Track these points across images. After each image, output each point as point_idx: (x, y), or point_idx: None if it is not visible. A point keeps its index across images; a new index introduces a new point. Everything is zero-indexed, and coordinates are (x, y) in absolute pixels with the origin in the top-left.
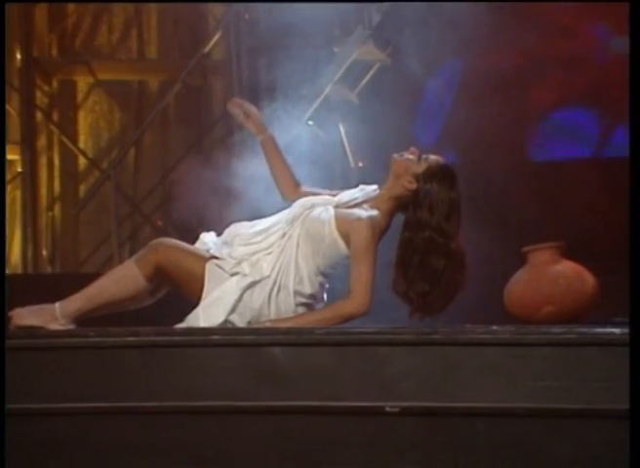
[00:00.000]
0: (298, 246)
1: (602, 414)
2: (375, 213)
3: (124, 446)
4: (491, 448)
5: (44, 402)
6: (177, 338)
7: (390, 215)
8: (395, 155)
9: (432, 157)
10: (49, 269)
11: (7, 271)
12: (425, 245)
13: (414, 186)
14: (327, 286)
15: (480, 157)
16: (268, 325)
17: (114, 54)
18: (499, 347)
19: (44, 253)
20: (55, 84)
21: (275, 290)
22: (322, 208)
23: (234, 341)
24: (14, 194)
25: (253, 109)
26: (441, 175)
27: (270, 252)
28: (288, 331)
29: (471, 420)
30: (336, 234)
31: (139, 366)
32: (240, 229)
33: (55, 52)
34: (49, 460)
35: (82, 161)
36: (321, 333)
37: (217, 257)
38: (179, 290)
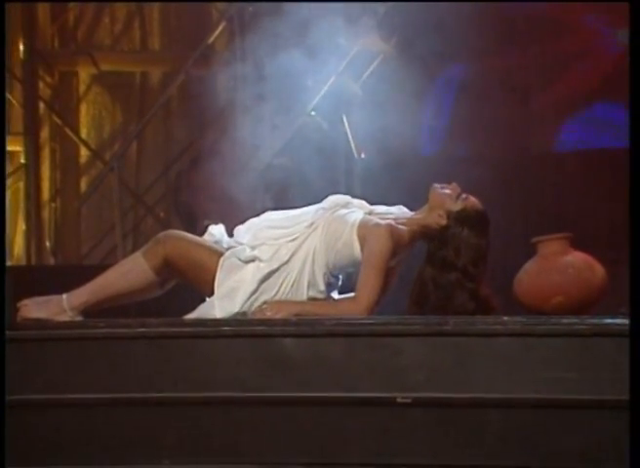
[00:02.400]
0: (319, 238)
1: (612, 405)
2: (401, 227)
3: (133, 436)
4: (501, 439)
5: (53, 393)
6: (186, 329)
7: (414, 239)
8: (436, 185)
9: (471, 199)
10: (52, 261)
11: (10, 263)
12: (452, 287)
13: (444, 222)
14: (337, 287)
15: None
16: (269, 314)
17: (116, 45)
18: (508, 338)
19: (47, 244)
20: (57, 75)
21: (290, 278)
22: (353, 209)
23: (245, 332)
24: (16, 186)
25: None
26: (475, 219)
27: (294, 238)
28: (298, 323)
29: (482, 411)
30: (354, 236)
31: (148, 357)
32: (273, 215)
33: (57, 43)
34: (61, 450)
35: (84, 153)
36: (331, 324)
37: (226, 250)
38: (187, 282)
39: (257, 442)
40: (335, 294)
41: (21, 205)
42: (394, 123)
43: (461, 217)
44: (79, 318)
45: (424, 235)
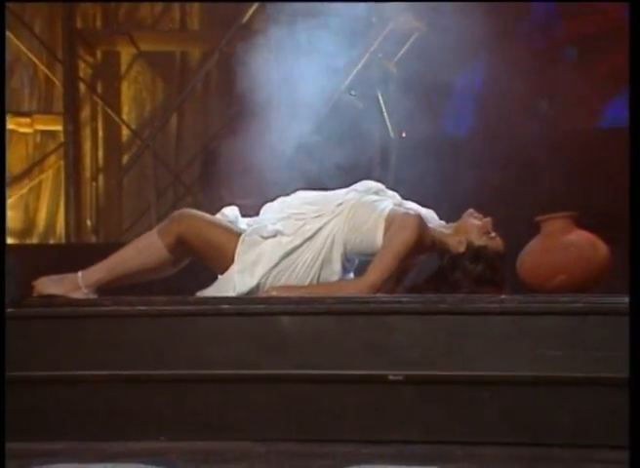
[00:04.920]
0: (345, 219)
1: (605, 383)
2: (430, 226)
3: (131, 412)
4: (494, 416)
5: (55, 370)
6: (187, 308)
7: (432, 248)
8: (472, 211)
9: (497, 240)
10: (93, 239)
11: (52, 241)
12: None
13: (461, 250)
14: (351, 271)
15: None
16: (274, 293)
17: (157, 25)
18: (504, 316)
19: (88, 222)
20: (99, 55)
21: (309, 255)
22: (384, 198)
23: (244, 310)
24: (58, 165)
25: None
26: (491, 260)
27: (320, 215)
28: (297, 301)
29: (476, 388)
30: (381, 224)
31: (149, 335)
32: (303, 193)
33: (99, 23)
34: (61, 426)
35: (126, 131)
36: (329, 303)
37: (243, 230)
38: (200, 260)
39: (253, 418)
40: (351, 275)
41: (62, 183)
42: (427, 103)
43: (479, 254)
44: (94, 295)
45: (440, 251)
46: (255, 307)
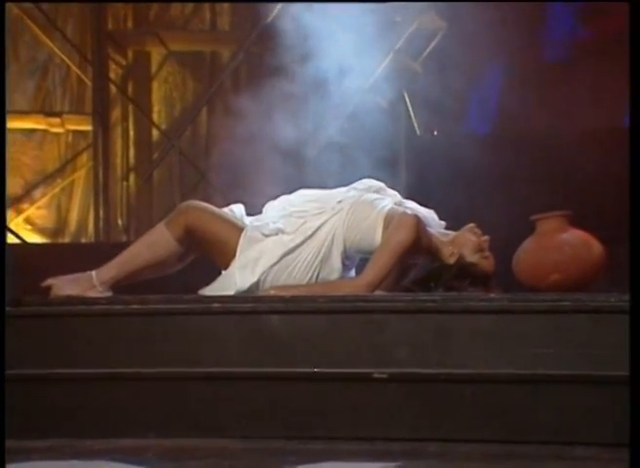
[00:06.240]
0: (344, 217)
1: (588, 380)
2: (430, 230)
3: (121, 410)
4: (480, 413)
5: (50, 368)
6: (179, 306)
7: (428, 250)
8: (472, 226)
9: (489, 260)
10: (124, 238)
11: (84, 240)
12: None
13: (451, 262)
14: (351, 270)
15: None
16: (272, 292)
17: (187, 25)
18: (490, 315)
19: (119, 222)
20: (130, 55)
21: (310, 253)
22: (383, 197)
23: (233, 309)
24: (89, 165)
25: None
26: (478, 278)
27: (321, 212)
28: (285, 300)
29: (462, 386)
30: (379, 222)
31: (141, 333)
32: (305, 191)
33: (130, 24)
34: (55, 424)
35: (156, 131)
36: (317, 301)
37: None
38: (205, 254)
39: (241, 416)
40: (352, 273)
41: (92, 183)
42: (452, 101)
43: (467, 271)
44: (109, 293)
45: (435, 255)
46: (242, 306)
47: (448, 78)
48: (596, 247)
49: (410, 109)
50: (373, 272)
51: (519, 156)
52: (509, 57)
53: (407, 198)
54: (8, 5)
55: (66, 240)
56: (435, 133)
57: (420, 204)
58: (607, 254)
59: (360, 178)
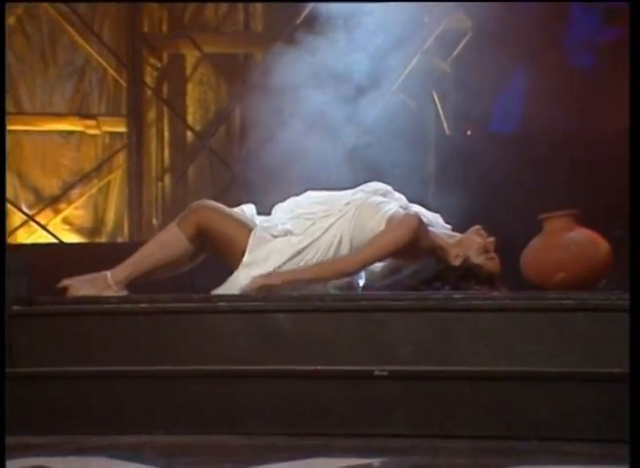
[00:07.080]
0: (350, 219)
1: (586, 378)
2: (431, 230)
3: (130, 407)
4: (481, 411)
5: (59, 366)
6: (186, 305)
7: (430, 252)
8: (478, 228)
9: (494, 261)
10: None
11: (120, 239)
12: None
13: (456, 264)
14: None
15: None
16: (260, 280)
17: (221, 27)
18: (492, 313)
19: (154, 221)
20: (166, 58)
21: (317, 254)
22: (389, 200)
23: (239, 308)
24: (126, 165)
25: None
26: (482, 279)
27: (328, 215)
28: (291, 298)
29: (463, 383)
30: (383, 223)
31: (149, 332)
32: (313, 193)
33: (165, 27)
34: (64, 420)
35: (190, 133)
36: (321, 300)
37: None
38: (217, 253)
39: (246, 413)
40: (360, 281)
41: (127, 183)
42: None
43: (472, 272)
44: (124, 292)
45: (440, 256)
46: (248, 304)
47: (476, 78)
48: (603, 245)
49: (439, 109)
50: (362, 255)
51: (547, 154)
52: (534, 57)
53: (435, 197)
54: (44, 7)
55: (103, 239)
56: (469, 133)
57: (449, 203)
58: (616, 254)
59: (387, 179)
